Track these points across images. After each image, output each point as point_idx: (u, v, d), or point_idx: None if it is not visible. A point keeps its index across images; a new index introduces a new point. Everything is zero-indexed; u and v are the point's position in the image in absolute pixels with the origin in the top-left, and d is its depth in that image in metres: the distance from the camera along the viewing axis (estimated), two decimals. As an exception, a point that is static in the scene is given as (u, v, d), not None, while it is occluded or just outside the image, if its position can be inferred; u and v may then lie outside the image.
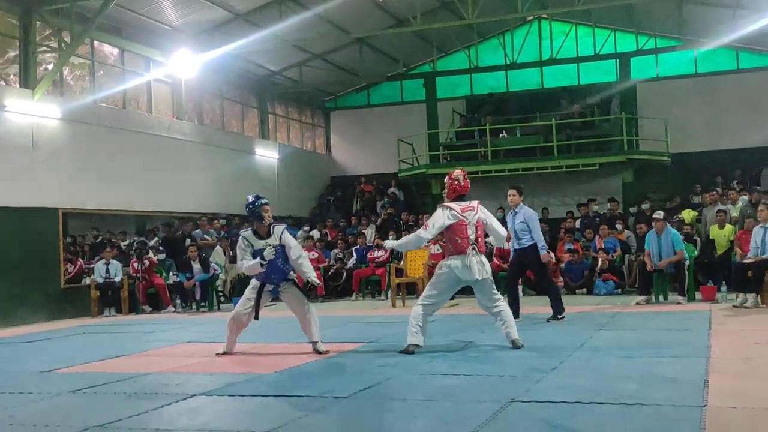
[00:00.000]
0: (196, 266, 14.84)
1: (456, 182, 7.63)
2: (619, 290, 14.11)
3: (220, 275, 15.65)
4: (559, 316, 9.86)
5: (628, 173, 19.52)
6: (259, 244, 7.70)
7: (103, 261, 14.74)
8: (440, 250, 12.76)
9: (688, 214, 15.76)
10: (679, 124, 20.33)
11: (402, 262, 14.18)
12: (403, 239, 8.38)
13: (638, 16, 20.60)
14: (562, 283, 14.52)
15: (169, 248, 15.90)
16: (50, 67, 15.14)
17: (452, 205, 7.51)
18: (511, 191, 10.15)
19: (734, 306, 10.73)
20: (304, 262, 7.87)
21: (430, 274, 12.29)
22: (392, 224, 18.85)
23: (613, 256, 14.75)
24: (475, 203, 7.59)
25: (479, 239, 7.45)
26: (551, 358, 6.75)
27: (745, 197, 14.59)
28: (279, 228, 7.86)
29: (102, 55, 17.08)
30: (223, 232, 17.26)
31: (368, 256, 16.41)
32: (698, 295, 12.30)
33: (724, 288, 11.97)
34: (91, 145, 15.43)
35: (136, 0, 15.89)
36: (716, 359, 6.40)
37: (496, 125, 20.63)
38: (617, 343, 7.77)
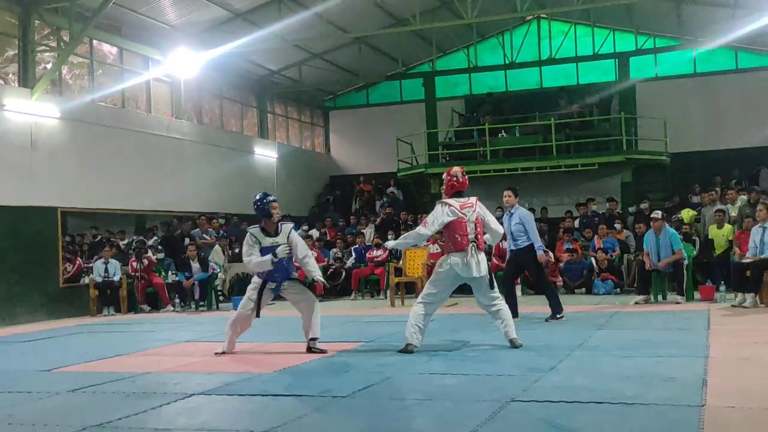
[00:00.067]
0: (195, 265, 14.83)
1: (454, 178, 7.62)
2: (618, 290, 14.12)
3: (219, 274, 15.64)
4: (558, 316, 9.88)
5: (627, 173, 19.53)
6: (267, 241, 7.72)
7: (102, 260, 14.73)
8: (439, 250, 12.77)
9: (687, 214, 15.77)
10: (678, 124, 20.35)
11: (401, 262, 14.18)
12: (402, 238, 8.36)
13: (637, 16, 20.59)
14: (561, 283, 14.54)
15: (168, 247, 15.89)
16: (49, 66, 15.13)
17: (451, 201, 7.49)
18: (506, 192, 10.17)
19: (733, 306, 10.75)
20: (310, 261, 7.94)
21: (429, 273, 12.31)
22: (391, 224, 18.86)
23: (611, 256, 14.77)
24: (473, 199, 7.58)
25: (479, 236, 7.44)
26: (550, 358, 6.75)
27: (744, 197, 14.60)
28: (287, 226, 7.91)
29: (101, 54, 17.08)
30: (222, 231, 17.26)
31: (367, 255, 16.41)
32: (697, 295, 12.31)
33: (722, 288, 11.99)
34: (90, 145, 15.42)
35: (135, -1, 15.91)
36: (715, 359, 6.41)
37: (495, 125, 20.63)
38: (616, 342, 7.77)
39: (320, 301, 14.67)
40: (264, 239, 7.74)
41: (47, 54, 15.41)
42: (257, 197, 7.96)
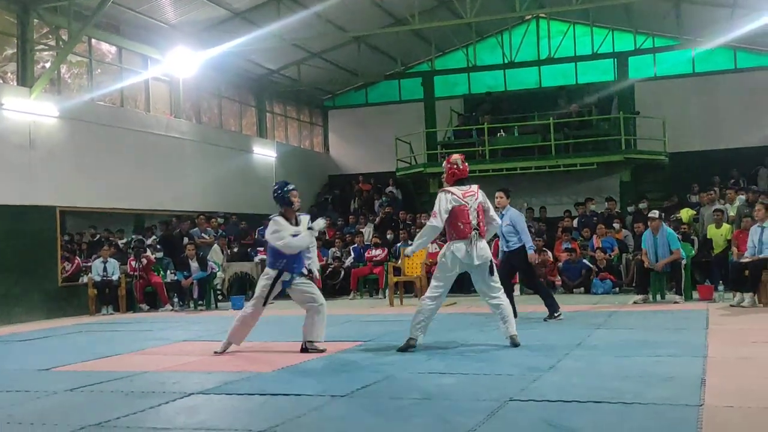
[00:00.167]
0: (194, 265, 14.82)
1: (455, 166, 7.59)
2: (617, 289, 14.13)
3: (218, 274, 15.65)
4: (556, 315, 9.88)
5: (626, 172, 19.54)
6: (291, 229, 7.70)
7: (101, 259, 14.73)
8: (438, 249, 12.76)
9: (685, 214, 15.79)
10: (677, 124, 20.36)
11: (400, 261, 14.18)
12: (417, 238, 8.05)
13: (636, 16, 20.60)
14: (560, 282, 14.55)
15: (166, 247, 15.89)
16: (48, 65, 15.11)
17: (453, 189, 7.47)
18: (498, 194, 10.15)
19: (731, 305, 10.76)
20: (314, 254, 8.18)
21: (428, 273, 12.33)
22: (390, 223, 18.86)
23: (610, 256, 14.78)
24: (475, 187, 7.56)
25: (480, 224, 7.43)
26: (548, 357, 6.76)
27: (743, 197, 14.61)
28: (305, 218, 7.98)
29: (100, 53, 17.07)
30: (220, 231, 17.25)
31: (366, 254, 16.42)
32: (695, 295, 12.33)
33: (721, 287, 11.98)
34: (89, 144, 15.41)
35: (134, -2, 15.90)
36: (713, 358, 6.42)
37: (494, 124, 20.64)
38: (614, 342, 7.77)
39: (319, 300, 14.85)
40: (287, 227, 7.73)
41: (46, 53, 15.40)
42: (276, 186, 8.00)
